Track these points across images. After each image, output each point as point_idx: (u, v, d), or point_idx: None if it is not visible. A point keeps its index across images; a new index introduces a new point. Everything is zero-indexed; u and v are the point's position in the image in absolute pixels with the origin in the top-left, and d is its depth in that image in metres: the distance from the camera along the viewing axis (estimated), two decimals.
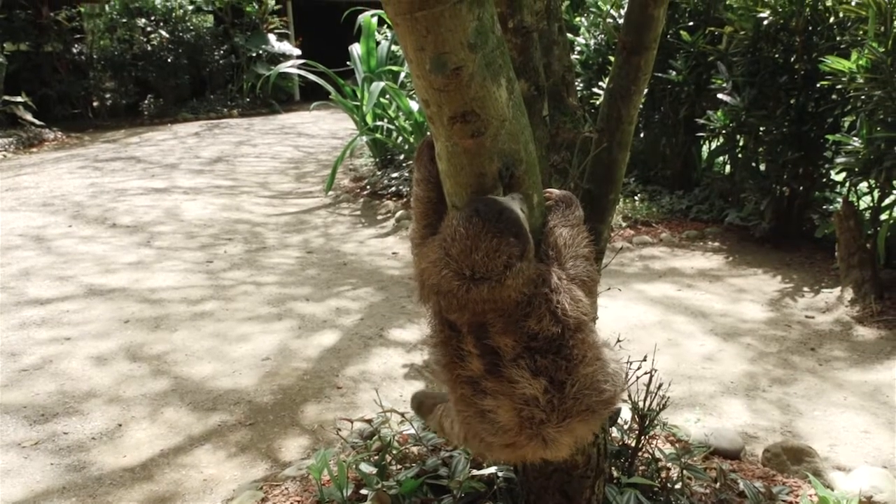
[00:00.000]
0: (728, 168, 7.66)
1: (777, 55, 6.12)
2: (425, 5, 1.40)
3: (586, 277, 1.68)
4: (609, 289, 5.04)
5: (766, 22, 5.96)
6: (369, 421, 3.20)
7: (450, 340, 1.61)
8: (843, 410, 3.86)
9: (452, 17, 1.41)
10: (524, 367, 1.52)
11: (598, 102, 7.31)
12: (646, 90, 2.29)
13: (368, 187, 9.07)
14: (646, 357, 2.68)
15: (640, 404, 2.73)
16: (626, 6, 7.56)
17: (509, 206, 1.56)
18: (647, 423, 2.71)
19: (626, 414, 2.93)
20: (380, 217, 8.02)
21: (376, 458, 2.90)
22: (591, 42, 8.11)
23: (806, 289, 5.64)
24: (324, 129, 15.28)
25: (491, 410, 1.59)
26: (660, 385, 2.75)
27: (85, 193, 9.12)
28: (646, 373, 2.70)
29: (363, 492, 2.70)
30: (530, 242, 1.55)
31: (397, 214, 7.77)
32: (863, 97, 5.01)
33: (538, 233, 1.74)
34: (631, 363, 2.61)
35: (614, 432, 2.85)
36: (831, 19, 5.84)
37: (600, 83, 7.61)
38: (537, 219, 1.75)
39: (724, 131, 6.55)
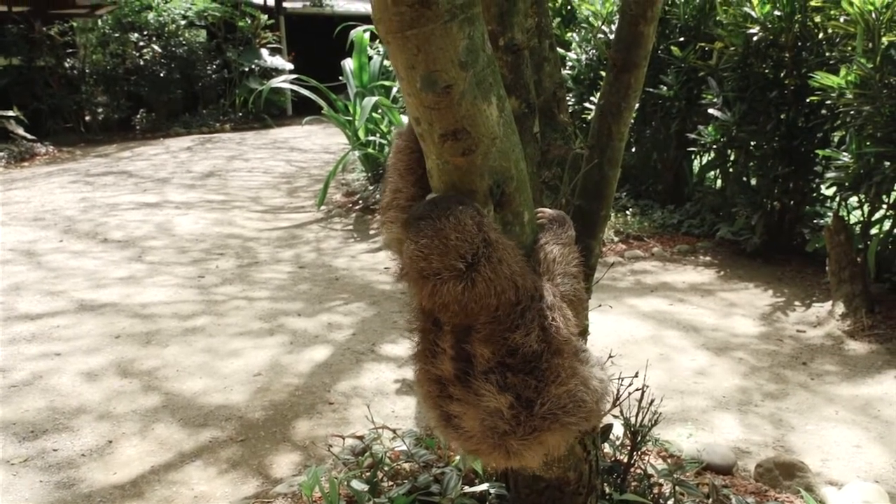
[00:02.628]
0: (719, 182, 7.70)
1: (767, 70, 6.16)
2: (416, 24, 1.40)
3: (574, 297, 1.68)
4: (601, 305, 5.05)
5: (755, 38, 6.00)
6: (361, 437, 3.18)
7: (428, 333, 1.60)
8: (834, 425, 3.86)
9: (443, 35, 1.42)
10: (493, 382, 1.52)
11: (589, 117, 7.34)
12: (637, 106, 2.30)
13: (360, 202, 9.07)
14: (637, 373, 2.68)
15: (633, 420, 2.73)
16: (616, 23, 7.60)
17: (431, 196, 1.58)
18: (640, 438, 2.71)
19: (618, 430, 2.92)
20: (372, 232, 8.01)
21: (368, 474, 2.89)
22: (583, 57, 8.15)
23: (797, 303, 5.65)
24: (316, 143, 15.29)
25: (456, 416, 1.59)
26: (652, 401, 2.75)
27: (76, 208, 9.10)
28: (637, 389, 2.70)
29: None
30: (472, 201, 1.54)
31: None
32: (852, 112, 5.05)
33: (529, 249, 1.74)
34: (622, 379, 2.62)
35: (606, 448, 2.85)
36: (820, 35, 5.89)
37: (592, 98, 7.65)
38: (528, 236, 1.75)
39: (714, 146, 6.59)
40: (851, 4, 4.80)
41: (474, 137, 1.52)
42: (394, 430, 3.09)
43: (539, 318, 1.54)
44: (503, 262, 1.49)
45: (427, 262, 1.47)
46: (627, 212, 7.81)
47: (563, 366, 1.57)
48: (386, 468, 2.97)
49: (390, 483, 2.91)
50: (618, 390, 2.58)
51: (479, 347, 1.53)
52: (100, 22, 16.52)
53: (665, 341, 5.01)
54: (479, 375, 1.53)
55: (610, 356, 2.68)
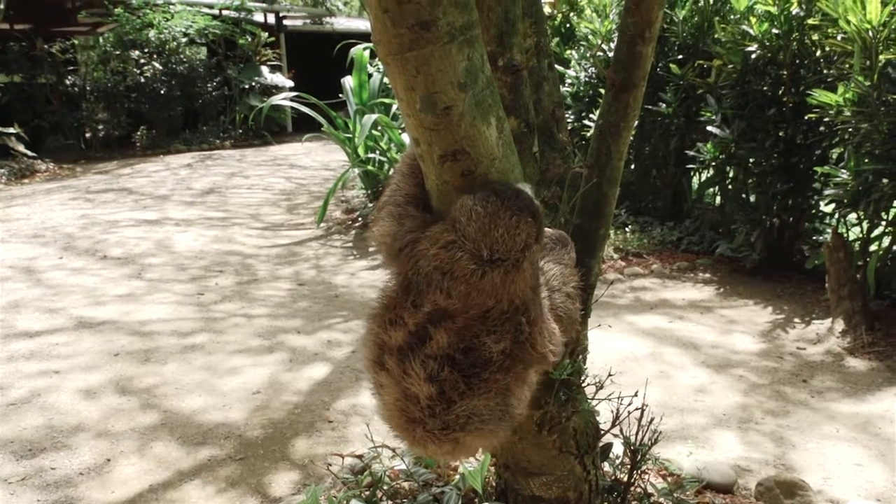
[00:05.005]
0: (718, 199, 7.71)
1: (765, 88, 6.19)
2: (415, 46, 1.41)
3: (563, 313, 1.67)
4: (600, 325, 5.05)
5: (753, 55, 6.03)
6: (360, 456, 3.17)
7: (398, 307, 1.56)
8: (835, 443, 3.85)
9: (442, 57, 1.43)
10: (427, 368, 1.50)
11: (589, 134, 7.37)
12: (636, 124, 2.31)
13: (360, 219, 9.08)
14: (637, 392, 2.67)
15: (632, 439, 2.72)
16: (615, 41, 7.61)
17: (525, 188, 1.55)
18: (640, 457, 2.70)
19: (617, 448, 2.92)
20: (371, 249, 8.01)
21: (367, 493, 2.88)
22: (582, 75, 8.19)
23: (797, 320, 5.65)
24: (316, 160, 15.32)
25: (382, 386, 1.58)
26: (652, 419, 2.75)
27: (76, 225, 9.10)
28: (637, 408, 2.69)
29: None
30: (543, 225, 1.53)
31: None
32: (850, 130, 5.06)
33: None
34: (622, 397, 2.61)
35: (606, 467, 2.84)
36: (818, 53, 5.92)
37: (591, 115, 7.68)
38: None
39: (713, 163, 6.61)
40: (848, 23, 4.83)
41: (473, 158, 1.53)
42: (393, 449, 3.08)
43: (514, 331, 1.52)
44: (515, 283, 1.48)
45: (468, 221, 1.46)
46: (627, 229, 7.82)
47: (500, 384, 1.55)
48: (385, 487, 2.96)
49: (390, 502, 2.90)
50: (617, 409, 2.58)
51: (442, 334, 1.50)
52: (101, 39, 16.64)
53: (664, 358, 5.00)
54: (420, 357, 1.50)
55: (609, 374, 2.67)
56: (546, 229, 1.83)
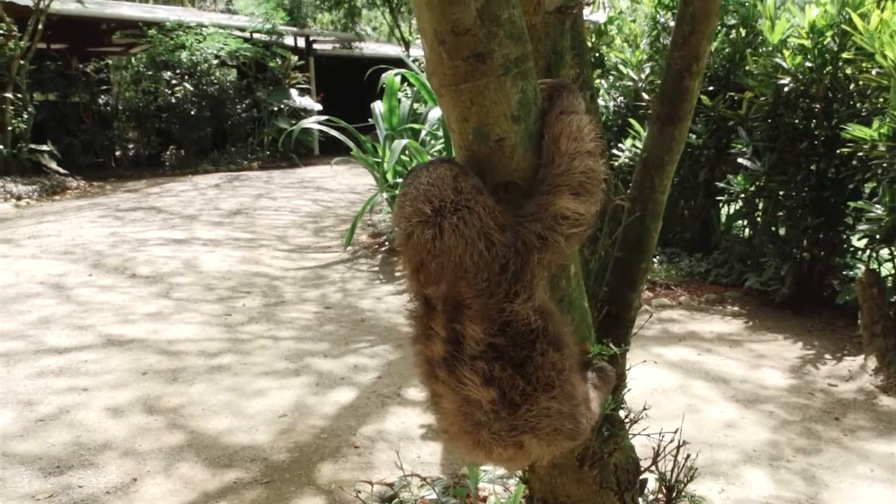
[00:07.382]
0: (747, 232, 7.65)
1: (797, 121, 6.16)
2: (470, 77, 1.42)
3: (586, 179, 1.55)
4: (645, 361, 4.99)
5: (786, 88, 6.01)
6: (391, 484, 3.15)
7: (423, 317, 1.59)
8: (869, 483, 3.78)
9: (497, 89, 1.43)
10: (479, 371, 1.48)
11: (617, 164, 7.36)
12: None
13: (387, 244, 9.10)
14: (678, 429, 2.64)
15: (668, 475, 2.68)
16: (647, 70, 7.57)
17: (434, 159, 1.56)
18: (675, 494, 2.66)
19: (652, 484, 2.87)
20: (398, 274, 8.02)
21: None
22: (611, 104, 8.19)
23: (828, 356, 5.57)
24: (342, 183, 15.41)
25: (440, 396, 1.58)
26: (687, 456, 2.71)
27: (105, 242, 9.19)
28: (678, 445, 2.65)
29: None
30: (461, 164, 1.52)
31: None
32: (884, 165, 5.02)
33: (572, 298, 1.72)
34: (662, 433, 2.58)
35: (641, 503, 2.80)
36: (851, 87, 5.88)
37: (620, 145, 7.66)
38: (575, 289, 1.74)
39: (743, 195, 6.56)
40: (885, 57, 4.80)
41: (525, 191, 1.52)
42: (423, 478, 3.06)
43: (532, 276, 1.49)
44: (473, 211, 1.44)
45: (402, 209, 1.48)
46: (654, 259, 7.77)
47: (559, 366, 1.52)
48: None
49: None
50: (659, 445, 2.54)
51: (470, 326, 1.49)
52: (134, 60, 16.92)
53: (693, 392, 4.94)
54: (467, 360, 1.49)
55: (644, 408, 2.65)
56: (546, 80, 1.70)
